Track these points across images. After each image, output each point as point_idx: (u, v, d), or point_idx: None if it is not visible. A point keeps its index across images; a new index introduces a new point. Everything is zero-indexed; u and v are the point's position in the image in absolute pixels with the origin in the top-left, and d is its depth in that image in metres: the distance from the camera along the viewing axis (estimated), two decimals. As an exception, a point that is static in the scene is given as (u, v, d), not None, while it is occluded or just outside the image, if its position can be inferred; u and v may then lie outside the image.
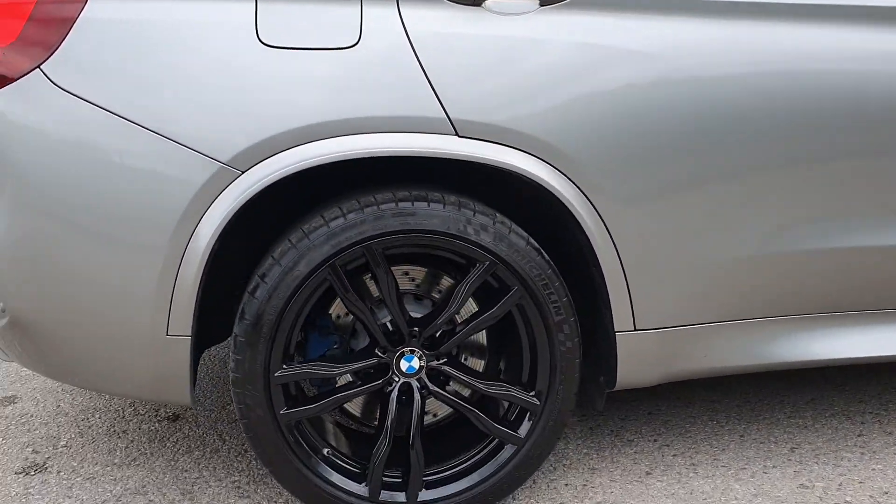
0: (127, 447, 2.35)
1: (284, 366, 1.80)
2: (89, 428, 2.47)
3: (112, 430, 2.45)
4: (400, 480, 1.92)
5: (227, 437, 2.38)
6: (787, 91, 1.82)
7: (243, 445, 2.33)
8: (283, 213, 1.91)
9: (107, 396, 2.67)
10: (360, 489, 1.88)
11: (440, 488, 1.91)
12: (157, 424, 2.48)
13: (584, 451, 2.26)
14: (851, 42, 1.85)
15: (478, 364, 2.07)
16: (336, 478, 1.87)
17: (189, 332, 1.76)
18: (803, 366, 2.04)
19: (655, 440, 2.30)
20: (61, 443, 2.39)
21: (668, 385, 2.47)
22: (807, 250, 1.92)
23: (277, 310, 1.74)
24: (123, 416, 2.53)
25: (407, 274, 1.98)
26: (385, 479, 1.91)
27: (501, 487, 1.93)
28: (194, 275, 1.71)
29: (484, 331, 2.04)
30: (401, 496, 1.90)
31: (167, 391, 1.84)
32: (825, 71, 1.83)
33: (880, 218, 1.93)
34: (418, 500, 1.89)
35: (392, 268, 1.86)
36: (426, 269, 1.98)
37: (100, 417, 2.53)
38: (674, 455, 2.22)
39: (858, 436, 2.28)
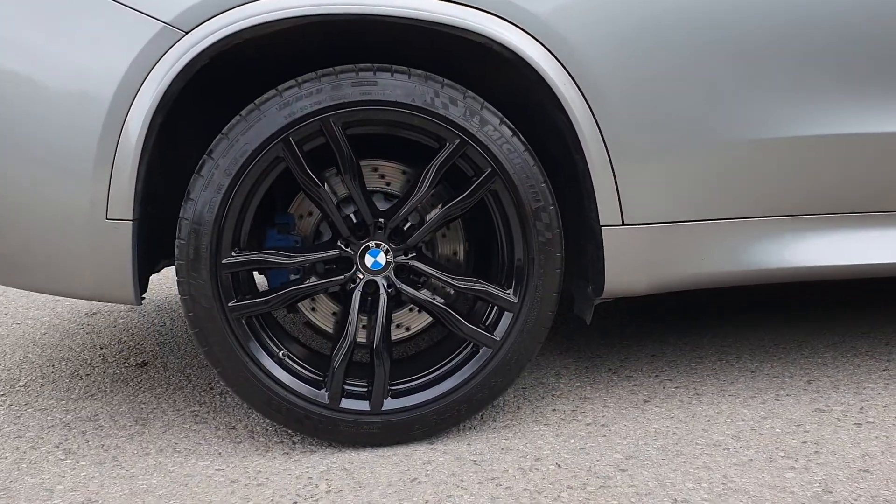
0: (87, 386, 2.19)
1: (233, 252, 1.64)
2: (52, 372, 2.32)
3: (76, 373, 2.30)
4: (365, 390, 1.73)
5: (193, 378, 2.22)
6: None
7: (209, 384, 2.16)
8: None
9: (76, 347, 2.52)
10: (320, 395, 1.69)
11: (408, 397, 1.72)
12: (123, 369, 2.32)
13: (578, 384, 2.05)
14: None
15: (454, 264, 1.88)
16: (292, 382, 1.68)
17: (131, 215, 1.61)
18: (811, 276, 1.83)
19: (657, 376, 2.09)
20: (20, 383, 2.24)
21: (673, 331, 2.28)
22: (805, 136, 1.74)
23: (225, 187, 1.59)
24: (90, 363, 2.38)
25: (376, 171, 1.82)
26: (350, 387, 1.72)
27: (476, 397, 1.72)
28: (134, 148, 1.56)
29: (461, 234, 1.86)
30: (364, 405, 1.70)
31: (109, 286, 1.68)
32: None
33: (880, 100, 1.74)
34: (382, 408, 1.70)
35: (361, 161, 1.71)
36: (399, 167, 1.82)
37: (66, 365, 2.38)
38: (676, 387, 2.00)
39: (884, 370, 2.05)
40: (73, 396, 2.11)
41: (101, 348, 2.51)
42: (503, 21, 1.60)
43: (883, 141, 1.76)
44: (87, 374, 2.28)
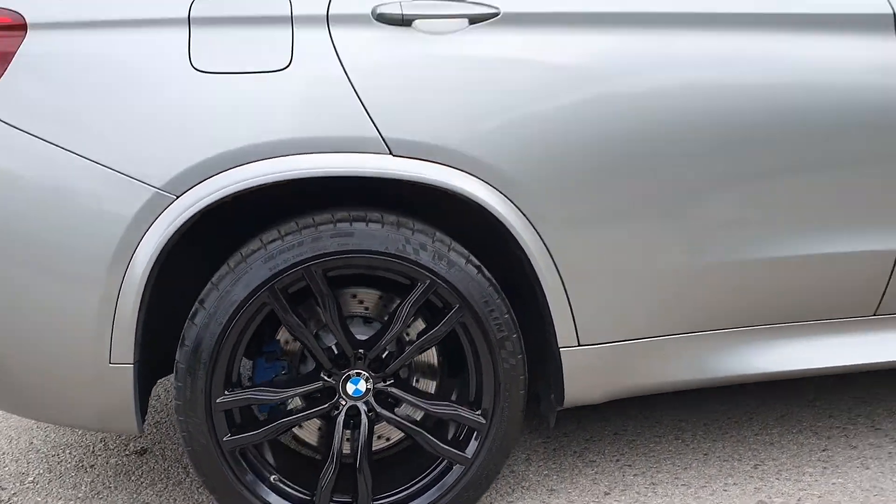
0: (92, 481, 2.35)
1: (226, 392, 1.81)
2: (59, 463, 2.48)
3: (80, 464, 2.46)
4: (351, 504, 1.91)
5: (190, 470, 2.38)
6: (725, 106, 1.83)
7: (206, 476, 2.32)
8: (238, 238, 1.92)
9: (80, 432, 2.68)
10: (309, 515, 1.87)
11: (391, 510, 1.90)
12: (124, 459, 2.48)
13: (545, 472, 2.24)
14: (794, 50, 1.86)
15: (430, 385, 2.06)
16: (283, 504, 1.86)
17: (132, 359, 1.77)
18: (754, 379, 2.03)
19: (618, 460, 2.28)
20: (29, 479, 2.40)
21: (635, 404, 2.47)
22: (746, 261, 1.92)
23: (216, 335, 1.76)
24: (93, 451, 2.54)
25: (355, 297, 1.99)
26: (336, 502, 1.90)
27: (452, 508, 1.91)
28: (133, 302, 1.72)
29: (435, 351, 2.04)
30: (351, 519, 1.89)
31: (114, 421, 1.85)
32: (761, 85, 1.85)
33: (819, 227, 1.92)
34: (368, 523, 1.88)
35: (341, 290, 1.87)
36: (376, 293, 1.99)
37: (70, 453, 2.54)
38: (634, 475, 2.20)
39: (823, 450, 2.25)
40: (79, 495, 2.28)
41: (102, 432, 2.67)
42: (456, 170, 1.76)
43: (806, 262, 1.94)
44: (91, 466, 2.44)
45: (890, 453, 2.22)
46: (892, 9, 1.90)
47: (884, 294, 2.01)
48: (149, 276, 1.72)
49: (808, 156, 1.88)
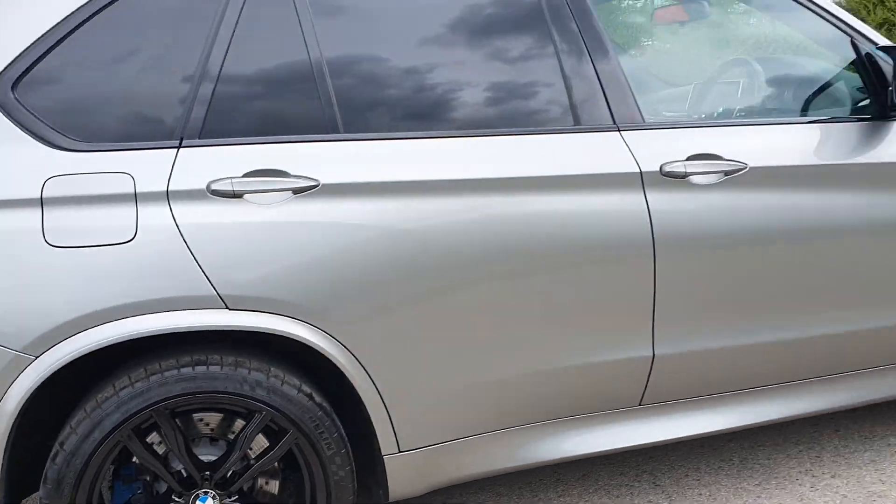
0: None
1: (89, 519, 2.04)
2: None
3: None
4: None
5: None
6: (484, 241, 2.23)
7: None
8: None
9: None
10: None
11: None
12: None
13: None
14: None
15: (274, 485, 2.34)
16: None
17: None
18: (553, 462, 2.44)
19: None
20: None
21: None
22: (536, 370, 2.33)
23: (76, 474, 1.99)
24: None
25: (202, 420, 2.26)
26: None
27: None
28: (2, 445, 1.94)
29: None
30: None
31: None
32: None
33: (577, 342, 2.35)
34: None
35: (187, 416, 2.14)
36: (219, 416, 2.27)
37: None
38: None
39: (611, 511, 2.71)
40: None
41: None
42: (282, 316, 2.07)
43: (581, 369, 2.38)
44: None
45: (664, 509, 2.70)
46: (639, 168, 2.35)
47: (644, 389, 2.47)
48: (12, 425, 1.94)
49: (558, 287, 2.29)
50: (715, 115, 2.75)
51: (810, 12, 2.63)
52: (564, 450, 2.44)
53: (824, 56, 2.71)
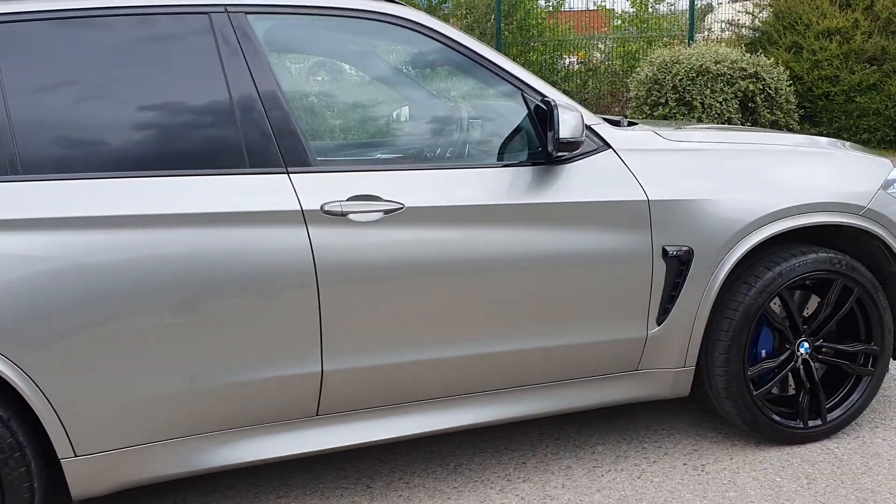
0: None
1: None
2: None
3: None
4: None
5: None
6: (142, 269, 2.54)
7: None
8: None
9: None
10: None
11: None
12: None
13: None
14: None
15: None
16: None
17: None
18: (229, 468, 2.75)
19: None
20: None
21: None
22: (205, 387, 2.64)
23: None
24: None
25: None
26: None
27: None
28: None
29: None
30: None
31: None
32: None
33: (242, 360, 2.67)
34: None
35: None
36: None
37: None
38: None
39: (308, 511, 3.02)
40: None
41: None
42: None
43: (243, 386, 2.69)
44: None
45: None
46: (301, 206, 2.67)
47: (319, 400, 2.79)
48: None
49: (227, 312, 2.61)
50: (385, 159, 3.07)
51: (489, 72, 2.96)
52: (238, 456, 2.75)
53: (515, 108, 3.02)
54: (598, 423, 3.62)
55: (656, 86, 10.64)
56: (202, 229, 2.59)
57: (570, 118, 2.78)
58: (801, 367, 3.31)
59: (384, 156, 3.03)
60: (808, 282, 3.28)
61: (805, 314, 3.36)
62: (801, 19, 11.74)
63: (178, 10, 2.72)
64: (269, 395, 2.74)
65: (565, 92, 11.61)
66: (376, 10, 2.88)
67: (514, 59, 10.97)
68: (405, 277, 2.77)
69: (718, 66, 10.44)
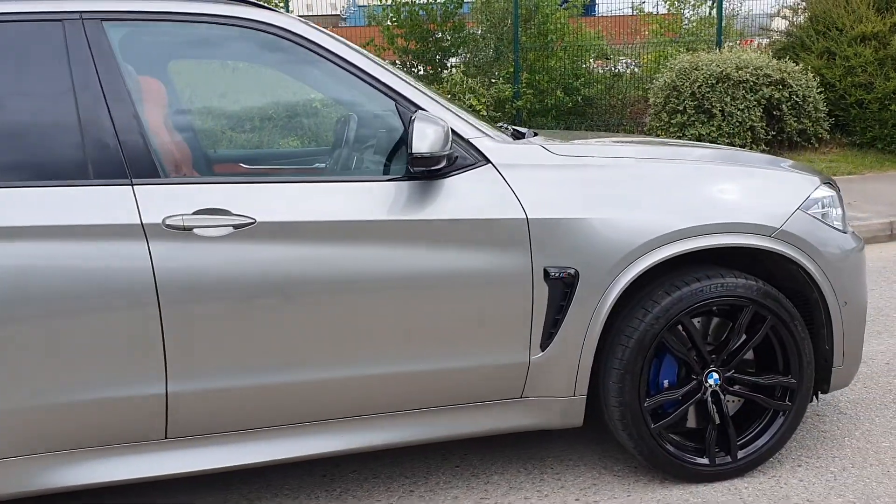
0: None
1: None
2: None
3: None
4: None
5: None
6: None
7: None
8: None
9: None
10: None
11: None
12: None
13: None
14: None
15: None
16: None
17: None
18: (70, 490, 2.65)
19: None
20: None
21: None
22: (41, 404, 2.56)
23: None
24: None
25: None
26: None
27: None
28: None
29: None
30: None
31: None
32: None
33: (71, 379, 2.57)
34: None
35: None
36: None
37: None
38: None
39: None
40: None
41: None
42: None
43: (76, 405, 2.59)
44: None
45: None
46: (141, 220, 2.56)
47: (166, 423, 2.68)
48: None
49: (66, 326, 2.52)
50: (242, 171, 2.93)
51: (362, 82, 2.81)
52: (81, 478, 2.65)
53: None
54: (505, 450, 3.43)
55: (675, 92, 10.31)
56: (41, 243, 2.51)
57: (431, 132, 2.61)
58: (710, 399, 3.07)
59: (243, 168, 2.90)
60: (715, 308, 3.04)
61: (714, 343, 3.12)
62: (834, 24, 11.25)
63: (31, 18, 2.64)
64: (112, 416, 2.64)
65: (585, 98, 11.49)
66: (239, 15, 2.76)
67: (527, 64, 10.74)
68: (256, 296, 2.65)
69: (740, 72, 10.08)
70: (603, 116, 12.25)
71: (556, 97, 11.55)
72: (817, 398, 3.31)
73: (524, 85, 11.59)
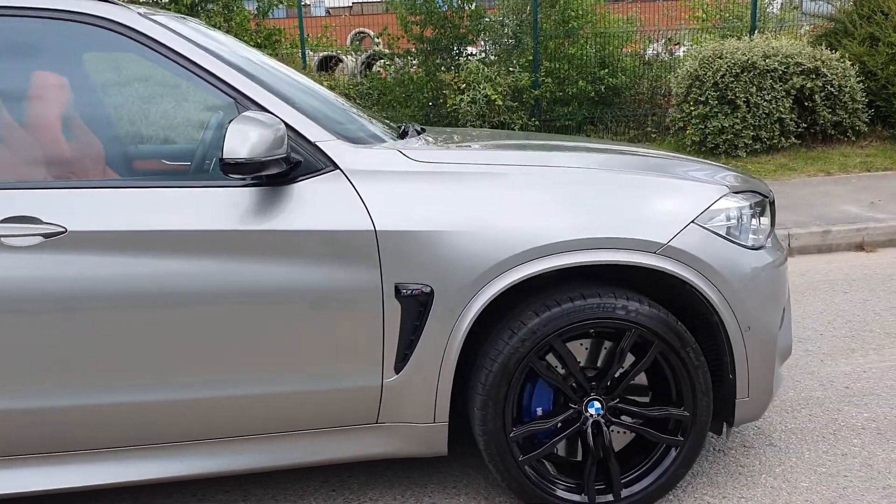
0: None
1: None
2: None
3: None
4: None
5: None
6: None
7: None
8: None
9: None
10: None
11: None
12: None
13: None
14: None
15: None
16: None
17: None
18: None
19: None
20: None
21: None
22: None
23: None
24: None
25: None
26: None
27: None
28: None
29: None
30: None
31: None
32: None
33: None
34: None
35: None
36: None
37: None
38: None
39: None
40: None
41: None
42: None
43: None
44: None
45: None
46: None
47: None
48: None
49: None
50: (59, 176, 2.73)
51: (203, 80, 2.60)
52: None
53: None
54: (387, 475, 3.21)
55: (697, 82, 9.82)
56: None
57: (254, 134, 2.39)
58: (591, 430, 2.78)
59: (63, 173, 2.71)
60: (592, 331, 2.75)
61: (598, 369, 2.82)
62: (880, 8, 10.54)
63: None
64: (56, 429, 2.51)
65: (609, 88, 10.96)
66: (71, 9, 2.57)
67: (548, 52, 10.31)
68: (66, 311, 2.47)
69: (768, 60, 9.52)
70: (630, 106, 11.78)
71: (577, 87, 11.13)
72: (727, 431, 2.98)
73: (544, 74, 11.21)
